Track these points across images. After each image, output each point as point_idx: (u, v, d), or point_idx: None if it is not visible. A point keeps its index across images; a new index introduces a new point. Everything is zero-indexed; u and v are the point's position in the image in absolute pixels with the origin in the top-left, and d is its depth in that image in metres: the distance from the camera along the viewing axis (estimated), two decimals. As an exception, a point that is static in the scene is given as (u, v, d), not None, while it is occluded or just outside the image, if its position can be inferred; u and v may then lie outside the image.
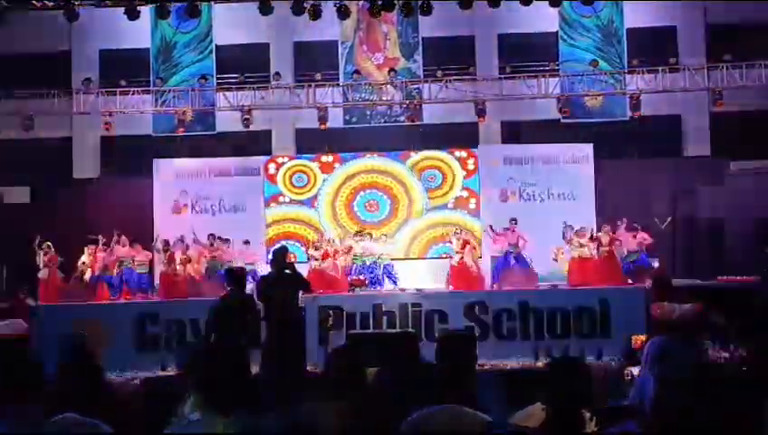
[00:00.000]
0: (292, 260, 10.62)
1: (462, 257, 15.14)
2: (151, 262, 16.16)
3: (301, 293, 9.47)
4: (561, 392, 2.96)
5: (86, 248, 15.60)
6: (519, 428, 3.27)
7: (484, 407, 3.67)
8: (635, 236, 15.29)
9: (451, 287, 15.09)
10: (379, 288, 15.11)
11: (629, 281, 14.81)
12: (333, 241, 16.07)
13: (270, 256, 9.77)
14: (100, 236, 15.85)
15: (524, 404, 3.51)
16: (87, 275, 15.25)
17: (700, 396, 1.94)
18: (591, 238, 15.16)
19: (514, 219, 15.73)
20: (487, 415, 3.56)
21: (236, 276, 9.11)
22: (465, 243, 15.40)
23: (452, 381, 3.72)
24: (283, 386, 3.71)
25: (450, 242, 15.92)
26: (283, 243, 16.67)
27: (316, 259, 15.16)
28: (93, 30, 19.10)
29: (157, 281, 15.83)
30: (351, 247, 15.55)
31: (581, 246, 14.96)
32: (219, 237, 15.74)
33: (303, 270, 15.49)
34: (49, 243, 15.27)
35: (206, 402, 2.83)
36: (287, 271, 9.25)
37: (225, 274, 10.16)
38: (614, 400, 4.85)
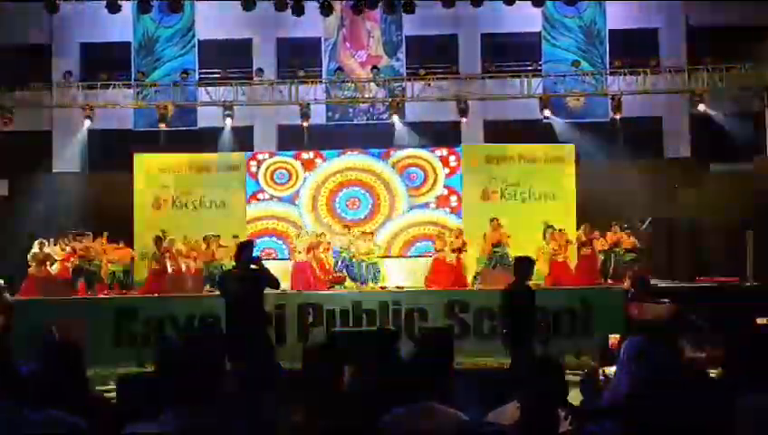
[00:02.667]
0: (260, 256, 10.21)
1: (459, 256, 15.15)
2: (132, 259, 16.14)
3: (266, 290, 9.04)
4: (534, 391, 2.98)
5: (59, 242, 15.51)
6: (494, 425, 3.28)
7: (462, 405, 3.68)
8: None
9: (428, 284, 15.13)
10: (360, 286, 15.11)
11: (608, 281, 14.92)
12: (317, 235, 16.12)
13: (235, 251, 9.28)
14: (72, 232, 15.77)
15: (502, 403, 3.52)
16: (54, 269, 15.10)
17: (676, 396, 1.95)
18: (568, 241, 15.27)
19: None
20: (464, 413, 3.57)
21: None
22: (464, 243, 15.45)
23: (429, 380, 3.73)
24: (250, 386, 3.69)
25: (438, 240, 15.91)
26: (266, 238, 16.69)
27: (299, 252, 15.21)
28: (74, 23, 18.96)
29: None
30: (329, 244, 15.65)
31: (561, 248, 15.03)
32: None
33: (286, 267, 15.58)
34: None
35: (169, 399, 2.82)
36: (253, 266, 8.84)
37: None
38: (590, 399, 4.87)
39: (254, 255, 9.10)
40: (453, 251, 15.38)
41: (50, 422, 3.31)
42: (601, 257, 15.71)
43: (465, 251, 15.50)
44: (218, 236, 15.83)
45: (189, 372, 2.82)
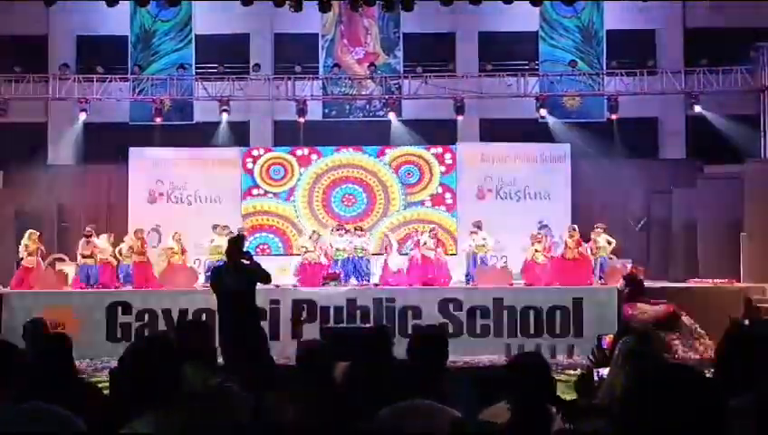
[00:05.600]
0: (249, 251, 10.08)
1: (436, 253, 15.19)
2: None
3: (259, 284, 8.87)
4: (520, 390, 2.96)
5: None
6: (488, 423, 3.27)
7: (455, 404, 3.67)
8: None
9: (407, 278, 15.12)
10: (355, 282, 15.07)
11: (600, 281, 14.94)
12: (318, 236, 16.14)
13: (227, 246, 9.04)
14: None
15: (495, 402, 3.51)
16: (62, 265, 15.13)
17: (670, 396, 1.95)
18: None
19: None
20: (457, 411, 3.56)
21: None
22: (440, 242, 15.53)
23: (423, 378, 3.73)
24: (244, 383, 3.68)
25: (419, 236, 15.94)
26: (261, 233, 16.66)
27: (310, 251, 15.21)
28: (71, 15, 18.89)
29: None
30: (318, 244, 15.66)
31: (536, 251, 15.08)
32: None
33: (280, 262, 15.58)
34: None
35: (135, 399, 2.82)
36: (244, 261, 8.64)
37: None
38: (583, 398, 4.87)
39: (245, 249, 9.04)
40: (429, 249, 15.29)
41: (43, 416, 3.30)
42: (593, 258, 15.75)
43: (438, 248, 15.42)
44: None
45: (146, 373, 2.83)
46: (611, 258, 15.56)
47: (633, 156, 18.60)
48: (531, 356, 3.31)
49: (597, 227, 15.44)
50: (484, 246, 15.35)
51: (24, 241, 14.77)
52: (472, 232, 15.55)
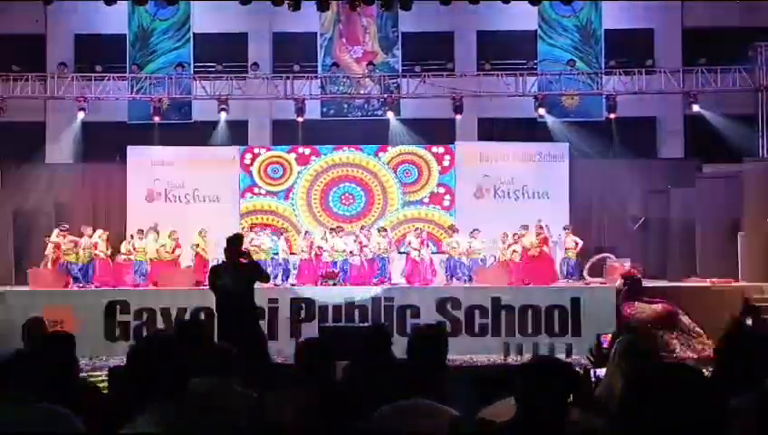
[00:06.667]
0: (247, 249, 10.01)
1: (420, 253, 15.41)
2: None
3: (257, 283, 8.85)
4: (544, 391, 2.90)
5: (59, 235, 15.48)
6: (486, 422, 3.27)
7: (454, 403, 3.68)
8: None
9: (404, 280, 15.23)
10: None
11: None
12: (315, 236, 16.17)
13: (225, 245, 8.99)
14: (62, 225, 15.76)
15: (494, 400, 3.51)
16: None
17: (668, 396, 1.96)
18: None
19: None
20: (456, 410, 3.57)
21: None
22: (423, 241, 15.80)
23: (422, 377, 3.73)
24: (242, 384, 3.67)
25: (405, 238, 16.13)
26: (263, 231, 16.62)
27: (303, 251, 15.34)
28: (69, 14, 18.86)
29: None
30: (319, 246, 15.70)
31: (514, 251, 15.27)
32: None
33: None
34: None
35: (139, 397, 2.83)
36: (242, 260, 8.67)
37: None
38: (581, 398, 4.88)
39: (242, 248, 9.05)
40: (413, 249, 15.52)
41: (42, 416, 3.29)
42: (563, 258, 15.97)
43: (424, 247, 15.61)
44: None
45: (153, 371, 2.84)
46: (610, 258, 15.67)
47: (631, 155, 18.61)
48: (557, 359, 3.23)
49: (564, 229, 15.91)
50: (455, 248, 15.55)
51: (55, 239, 14.92)
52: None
